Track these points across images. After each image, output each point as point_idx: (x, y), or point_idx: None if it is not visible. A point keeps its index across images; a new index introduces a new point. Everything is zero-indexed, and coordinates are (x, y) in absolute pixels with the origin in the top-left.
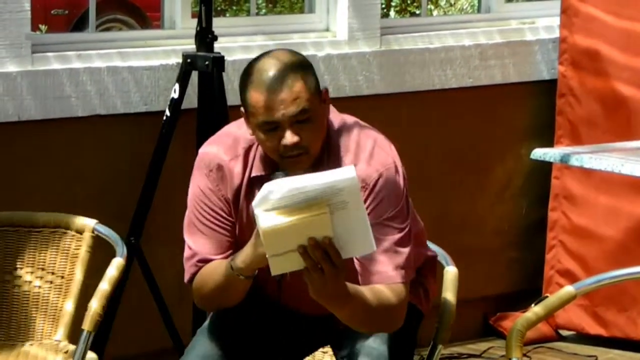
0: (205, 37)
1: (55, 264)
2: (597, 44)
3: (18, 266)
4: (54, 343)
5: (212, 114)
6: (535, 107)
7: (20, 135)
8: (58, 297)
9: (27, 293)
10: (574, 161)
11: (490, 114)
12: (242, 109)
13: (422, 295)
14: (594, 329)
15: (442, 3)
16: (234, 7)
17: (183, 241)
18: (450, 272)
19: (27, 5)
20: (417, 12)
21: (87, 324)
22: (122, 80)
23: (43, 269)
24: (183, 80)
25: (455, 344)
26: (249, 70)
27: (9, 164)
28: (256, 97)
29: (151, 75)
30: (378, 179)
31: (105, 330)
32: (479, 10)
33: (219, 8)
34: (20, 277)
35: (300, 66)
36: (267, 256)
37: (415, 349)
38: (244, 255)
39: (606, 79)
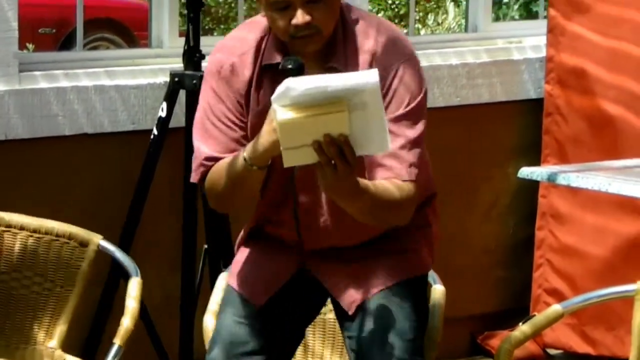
0: (193, 55)
1: (54, 272)
2: (583, 63)
3: (16, 269)
4: (49, 350)
5: None
6: (522, 125)
7: (7, 154)
8: (55, 306)
9: (24, 297)
10: (561, 180)
11: (477, 132)
12: None
13: (427, 255)
14: (581, 347)
15: (430, 22)
16: (222, 26)
17: (171, 260)
18: (438, 290)
19: (15, 24)
20: (405, 30)
21: (119, 339)
22: (110, 99)
23: (42, 276)
24: (171, 99)
25: None
26: None
27: None
28: None
29: (139, 94)
30: (399, 66)
31: (92, 348)
32: (466, 30)
33: (206, 27)
34: (18, 280)
35: None
36: (281, 148)
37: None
38: (256, 144)
39: (593, 97)
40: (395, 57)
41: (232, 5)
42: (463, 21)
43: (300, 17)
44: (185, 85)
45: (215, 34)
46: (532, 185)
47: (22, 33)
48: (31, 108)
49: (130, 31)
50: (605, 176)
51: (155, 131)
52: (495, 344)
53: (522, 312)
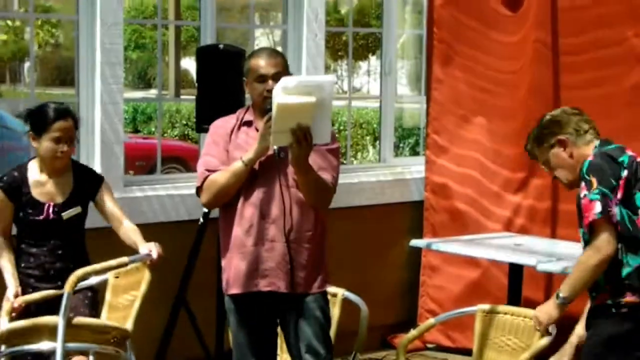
0: None
1: None
2: (446, 181)
3: None
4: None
5: None
6: (412, 216)
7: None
8: None
9: None
10: (433, 247)
11: (386, 220)
12: (245, 79)
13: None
14: (446, 342)
15: (358, 156)
16: None
17: (211, 287)
18: (364, 311)
19: (121, 160)
20: (345, 161)
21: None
22: (176, 202)
23: None
24: None
25: (366, 353)
26: (252, 53)
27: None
28: (256, 61)
29: (193, 198)
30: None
31: None
32: (379, 161)
33: None
34: None
35: (280, 53)
36: (272, 130)
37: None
38: (252, 151)
39: (451, 200)
40: None
41: None
42: (377, 156)
43: (271, 84)
44: None
45: None
46: (418, 250)
47: (126, 164)
48: (131, 207)
49: (187, 162)
50: (457, 245)
51: (201, 220)
52: (397, 341)
53: (412, 323)
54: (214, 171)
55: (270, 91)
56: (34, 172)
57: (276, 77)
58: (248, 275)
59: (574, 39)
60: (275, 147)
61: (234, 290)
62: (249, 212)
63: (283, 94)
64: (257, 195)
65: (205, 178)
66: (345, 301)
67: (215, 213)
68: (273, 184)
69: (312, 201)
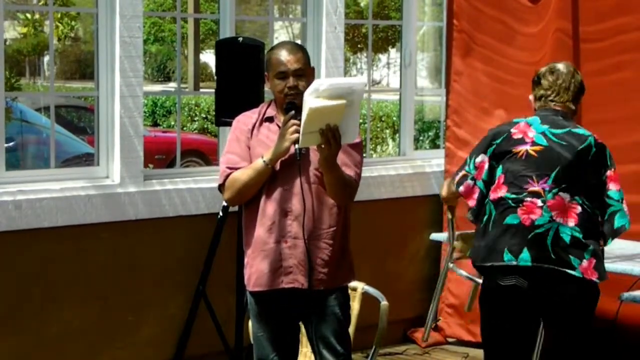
0: None
1: None
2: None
3: None
4: None
5: None
6: (432, 208)
7: (138, 229)
8: None
9: None
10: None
11: (407, 212)
12: (266, 74)
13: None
14: (466, 337)
15: (378, 150)
16: None
17: (230, 280)
18: (384, 305)
19: (141, 153)
20: (365, 154)
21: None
22: (195, 195)
23: None
24: None
25: (386, 347)
26: (273, 47)
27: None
28: (277, 57)
29: (211, 191)
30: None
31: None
32: (399, 154)
33: None
34: None
35: (302, 47)
36: (301, 133)
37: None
38: (273, 150)
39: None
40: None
41: None
42: (397, 149)
43: (292, 82)
44: None
45: None
46: (438, 244)
47: (145, 158)
48: (150, 201)
49: (206, 155)
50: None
51: (220, 213)
52: (417, 336)
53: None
54: (235, 169)
55: (291, 88)
56: None
57: (297, 74)
58: (271, 273)
59: (594, 26)
60: (297, 147)
61: (257, 288)
62: (271, 210)
63: (314, 97)
64: (279, 192)
65: (227, 176)
66: (365, 295)
67: (234, 208)
68: (294, 181)
69: (335, 198)
